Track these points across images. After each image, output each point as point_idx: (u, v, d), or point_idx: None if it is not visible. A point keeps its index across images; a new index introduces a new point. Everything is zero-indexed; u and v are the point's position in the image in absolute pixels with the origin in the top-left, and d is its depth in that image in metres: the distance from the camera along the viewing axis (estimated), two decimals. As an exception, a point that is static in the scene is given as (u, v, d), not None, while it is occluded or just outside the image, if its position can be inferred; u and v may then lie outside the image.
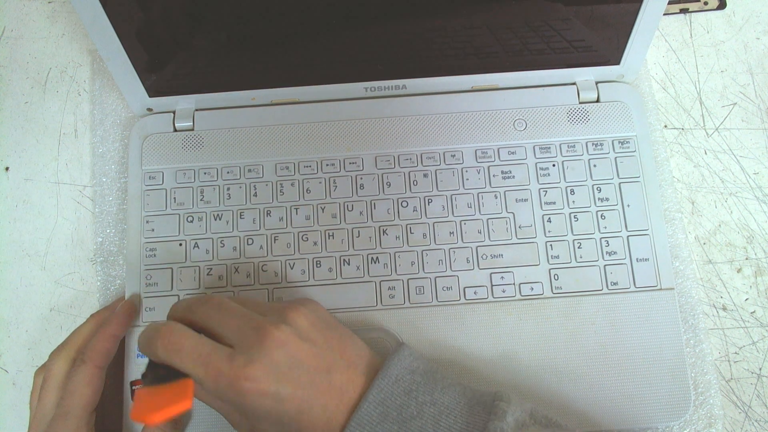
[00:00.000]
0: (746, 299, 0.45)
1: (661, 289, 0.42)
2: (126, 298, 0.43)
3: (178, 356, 0.32)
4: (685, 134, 0.48)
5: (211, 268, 0.43)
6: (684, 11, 0.51)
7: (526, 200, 0.44)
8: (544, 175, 0.45)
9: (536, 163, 0.45)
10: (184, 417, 0.40)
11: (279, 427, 0.33)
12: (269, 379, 0.31)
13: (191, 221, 0.44)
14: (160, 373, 0.33)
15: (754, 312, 0.44)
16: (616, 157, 0.45)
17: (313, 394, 0.32)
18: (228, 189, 0.45)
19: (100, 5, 0.39)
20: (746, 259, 0.45)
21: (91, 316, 0.42)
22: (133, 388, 0.41)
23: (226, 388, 0.31)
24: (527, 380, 0.41)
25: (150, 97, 0.45)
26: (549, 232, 0.43)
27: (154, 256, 0.43)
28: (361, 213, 0.44)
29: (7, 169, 0.49)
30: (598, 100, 0.46)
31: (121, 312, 0.41)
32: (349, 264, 0.43)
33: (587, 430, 0.40)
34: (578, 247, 0.43)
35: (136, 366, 0.41)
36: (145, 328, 0.35)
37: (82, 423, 0.37)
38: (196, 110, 0.47)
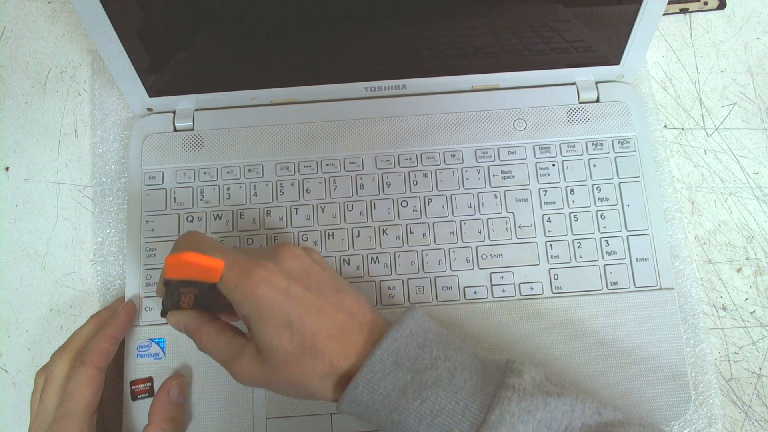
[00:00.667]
0: (746, 299, 0.45)
1: (661, 288, 0.42)
2: (126, 298, 0.43)
3: (198, 245, 0.34)
4: (685, 134, 0.48)
5: (211, 268, 0.43)
6: (684, 11, 0.51)
7: (526, 200, 0.44)
8: (544, 175, 0.45)
9: (536, 163, 0.45)
10: (184, 417, 0.40)
11: (286, 331, 0.32)
12: (281, 274, 0.33)
13: (191, 221, 0.44)
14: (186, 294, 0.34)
15: (754, 312, 0.44)
16: (615, 157, 0.45)
17: (322, 303, 0.33)
18: (228, 189, 0.45)
19: (100, 5, 0.39)
20: (746, 259, 0.45)
21: (92, 317, 0.42)
22: (133, 387, 0.41)
23: (239, 275, 0.32)
24: (527, 380, 0.41)
25: (150, 97, 0.45)
26: (549, 232, 0.43)
27: (154, 256, 0.43)
28: (361, 213, 0.44)
29: (7, 169, 0.49)
30: (598, 100, 0.46)
31: (121, 314, 0.41)
32: (349, 264, 0.43)
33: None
34: (578, 247, 0.43)
35: (136, 366, 0.41)
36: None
37: (84, 424, 0.37)
38: (196, 110, 0.47)
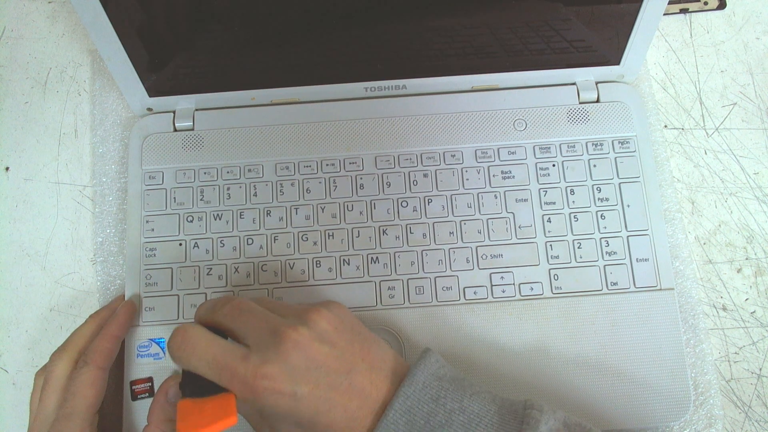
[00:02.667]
0: (746, 299, 0.45)
1: (661, 289, 0.42)
2: (126, 298, 0.43)
3: (193, 358, 0.32)
4: (685, 134, 0.48)
5: (210, 268, 0.43)
6: (684, 11, 0.51)
7: (526, 200, 0.44)
8: (544, 175, 0.45)
9: (536, 163, 0.45)
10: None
11: (298, 428, 0.32)
12: (285, 379, 0.31)
13: (191, 221, 0.44)
14: (200, 384, 0.32)
15: (754, 312, 0.44)
16: (616, 157, 0.45)
17: (332, 396, 0.31)
18: (228, 189, 0.45)
19: (100, 5, 0.39)
20: (746, 259, 0.45)
21: (91, 316, 0.42)
22: (133, 387, 0.41)
23: (241, 389, 0.31)
24: (527, 380, 0.40)
25: (150, 97, 0.45)
26: (549, 232, 0.43)
27: (154, 256, 0.43)
28: (361, 213, 0.44)
29: (7, 169, 0.49)
30: (598, 100, 0.46)
31: (121, 313, 0.41)
32: (349, 264, 0.43)
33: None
34: (578, 247, 0.43)
35: (137, 366, 0.41)
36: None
37: (86, 424, 0.37)
38: (196, 110, 0.47)
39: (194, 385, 0.32)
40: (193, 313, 0.42)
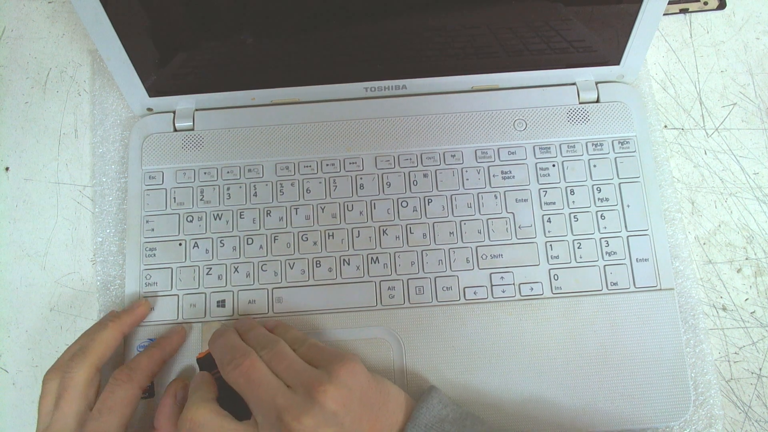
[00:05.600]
0: (746, 299, 0.45)
1: (660, 289, 0.42)
2: (126, 298, 0.43)
3: (256, 391, 0.33)
4: (685, 134, 0.48)
5: (210, 268, 0.43)
6: (684, 11, 0.51)
7: (526, 200, 0.44)
8: (544, 175, 0.45)
9: (536, 163, 0.45)
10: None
11: None
12: None
13: (191, 221, 0.44)
14: (241, 406, 0.34)
15: (754, 312, 0.44)
16: (616, 158, 0.45)
17: None
18: (228, 189, 0.45)
19: (100, 5, 0.39)
20: (746, 259, 0.45)
21: (112, 321, 0.39)
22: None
23: None
24: (527, 380, 0.40)
25: (150, 97, 0.45)
26: (549, 232, 0.43)
27: (154, 256, 0.43)
28: (361, 213, 0.44)
29: (7, 169, 0.49)
30: (598, 101, 0.46)
31: (175, 338, 0.41)
32: (349, 264, 0.43)
33: (588, 430, 0.40)
34: (578, 247, 0.43)
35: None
36: (218, 337, 0.36)
37: None
38: (196, 110, 0.47)
39: (237, 405, 0.34)
40: (192, 314, 0.42)
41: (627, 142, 0.45)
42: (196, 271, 0.43)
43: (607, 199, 0.44)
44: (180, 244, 0.44)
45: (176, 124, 0.46)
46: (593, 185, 0.44)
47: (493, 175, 0.45)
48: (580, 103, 0.46)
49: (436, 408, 0.34)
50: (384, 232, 0.44)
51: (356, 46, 0.43)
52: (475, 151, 0.45)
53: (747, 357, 0.43)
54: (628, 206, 0.44)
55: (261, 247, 0.43)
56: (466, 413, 0.35)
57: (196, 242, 0.44)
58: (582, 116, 0.46)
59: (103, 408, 0.36)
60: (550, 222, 0.44)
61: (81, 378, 0.36)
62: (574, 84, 0.47)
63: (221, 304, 0.42)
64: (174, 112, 0.46)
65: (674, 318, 0.42)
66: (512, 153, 0.45)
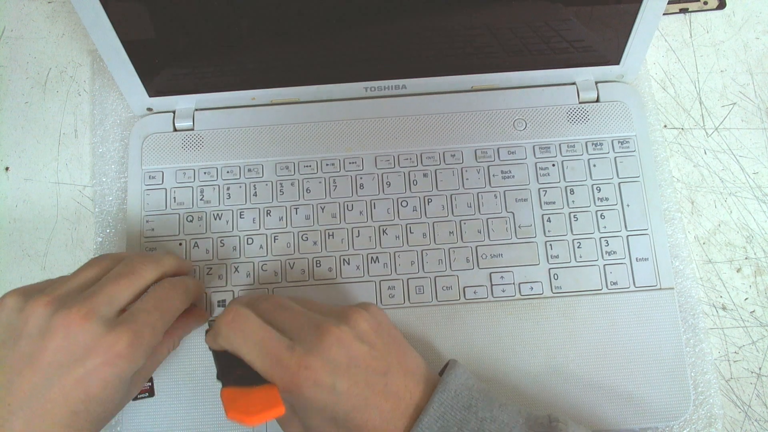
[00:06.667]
0: (746, 299, 0.45)
1: (660, 288, 0.42)
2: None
3: (240, 337, 0.32)
4: (684, 134, 0.48)
5: (210, 268, 0.43)
6: (684, 11, 0.51)
7: (525, 200, 0.44)
8: (544, 174, 0.45)
9: (536, 163, 0.45)
10: (187, 417, 0.40)
11: (332, 425, 0.32)
12: (326, 372, 0.31)
13: (191, 221, 0.44)
14: (240, 374, 0.33)
15: (753, 312, 0.44)
16: (615, 157, 0.45)
17: (369, 394, 0.32)
18: (228, 189, 0.45)
19: (100, 5, 0.39)
20: (746, 258, 0.45)
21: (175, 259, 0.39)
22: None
23: (283, 376, 0.31)
24: (526, 380, 0.41)
25: (150, 97, 0.45)
26: (549, 231, 0.43)
27: (154, 255, 0.43)
28: (361, 213, 0.44)
29: (7, 169, 0.49)
30: (597, 100, 0.46)
31: (192, 319, 0.41)
32: (349, 264, 0.43)
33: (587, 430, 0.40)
34: (578, 247, 0.43)
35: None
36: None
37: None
38: (196, 110, 0.47)
39: (235, 375, 0.33)
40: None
41: (627, 142, 0.45)
42: (196, 270, 0.43)
43: (606, 199, 0.44)
44: (180, 244, 0.44)
45: (176, 124, 0.46)
46: (593, 185, 0.44)
47: (493, 175, 0.45)
48: (579, 102, 0.46)
49: (463, 376, 0.34)
50: (384, 231, 0.44)
51: (356, 46, 0.43)
52: (475, 150, 0.45)
53: (747, 356, 0.43)
54: (628, 206, 0.44)
55: (261, 246, 0.43)
56: (488, 388, 0.36)
57: (196, 242, 0.44)
58: (582, 116, 0.46)
59: (164, 303, 0.35)
60: (549, 221, 0.44)
61: (148, 274, 0.36)
62: (573, 84, 0.47)
63: (222, 303, 0.43)
64: (174, 112, 0.47)
65: (674, 317, 0.42)
66: (512, 153, 0.45)
